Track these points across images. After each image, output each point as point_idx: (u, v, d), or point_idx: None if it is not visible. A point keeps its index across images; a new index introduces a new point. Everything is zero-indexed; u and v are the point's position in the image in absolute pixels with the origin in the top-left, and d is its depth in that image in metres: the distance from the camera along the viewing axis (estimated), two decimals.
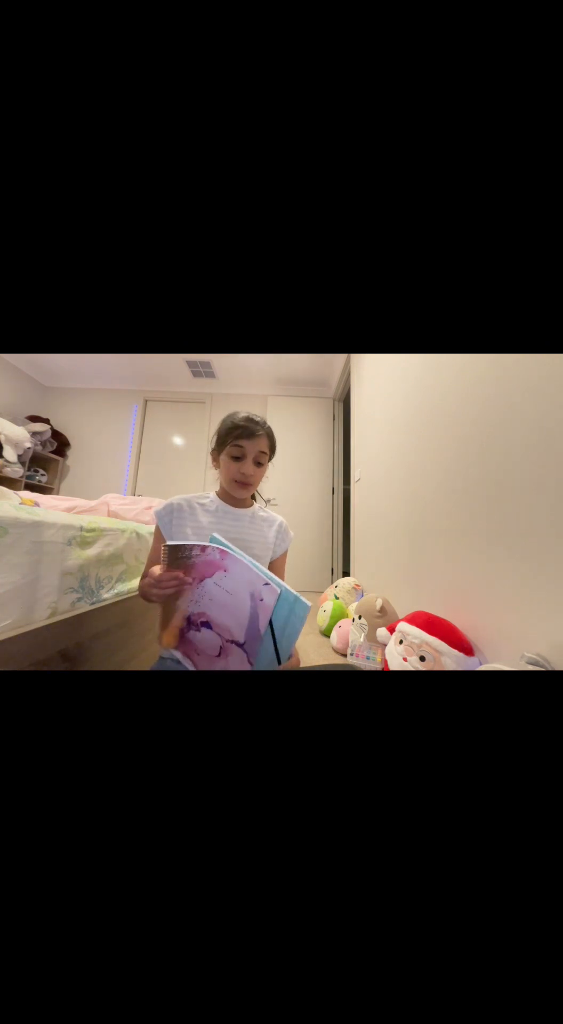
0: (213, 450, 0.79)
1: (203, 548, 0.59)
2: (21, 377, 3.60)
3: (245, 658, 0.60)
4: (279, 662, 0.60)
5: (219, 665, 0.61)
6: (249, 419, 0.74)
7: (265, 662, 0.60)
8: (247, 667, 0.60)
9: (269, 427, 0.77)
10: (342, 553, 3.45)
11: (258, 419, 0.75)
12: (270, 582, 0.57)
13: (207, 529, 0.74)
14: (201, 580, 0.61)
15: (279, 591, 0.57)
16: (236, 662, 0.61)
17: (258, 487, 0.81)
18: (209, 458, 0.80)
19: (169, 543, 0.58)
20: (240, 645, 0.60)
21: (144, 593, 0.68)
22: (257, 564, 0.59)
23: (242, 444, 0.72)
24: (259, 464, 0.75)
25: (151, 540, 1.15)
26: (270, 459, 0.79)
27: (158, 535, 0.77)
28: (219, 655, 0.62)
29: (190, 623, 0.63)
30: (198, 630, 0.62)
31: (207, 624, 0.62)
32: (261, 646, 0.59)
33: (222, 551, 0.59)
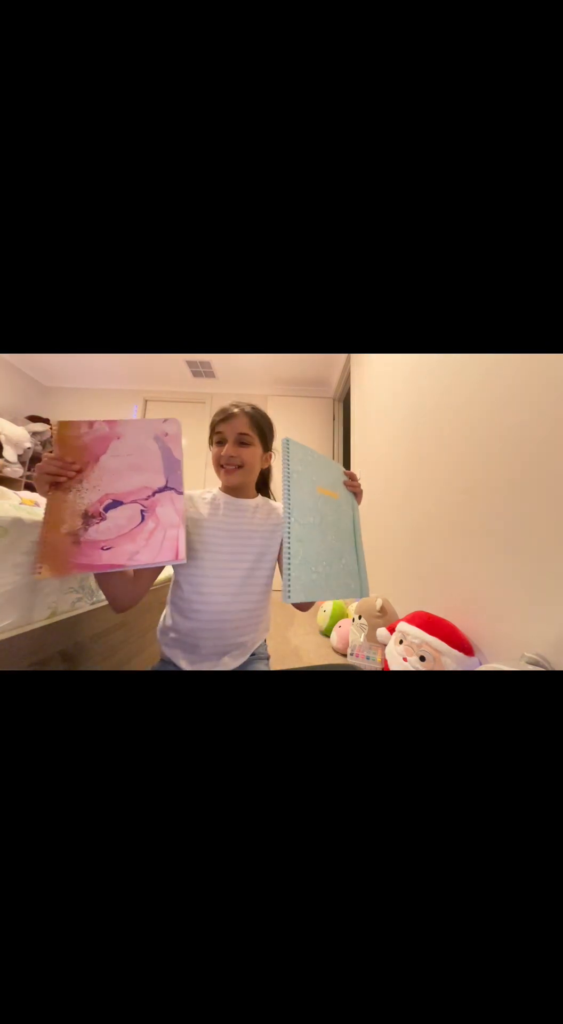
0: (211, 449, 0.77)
1: (90, 424, 0.55)
2: (21, 377, 3.59)
3: (173, 495, 0.55)
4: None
5: (147, 530, 0.54)
6: (229, 404, 0.72)
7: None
8: (180, 502, 0.56)
9: (254, 409, 0.73)
10: None
11: (239, 402, 0.73)
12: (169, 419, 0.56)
13: (205, 519, 0.72)
14: (95, 461, 0.54)
15: (179, 422, 0.56)
16: (167, 510, 0.55)
17: (250, 469, 0.74)
18: (210, 457, 0.78)
19: (59, 421, 0.54)
20: (163, 489, 0.56)
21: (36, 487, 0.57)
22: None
23: (221, 429, 0.71)
24: (244, 444, 0.70)
25: None
26: (266, 443, 0.75)
27: None
28: (143, 520, 0.53)
29: (88, 518, 0.52)
30: (102, 519, 0.52)
31: (115, 503, 0.54)
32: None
33: (110, 422, 0.55)
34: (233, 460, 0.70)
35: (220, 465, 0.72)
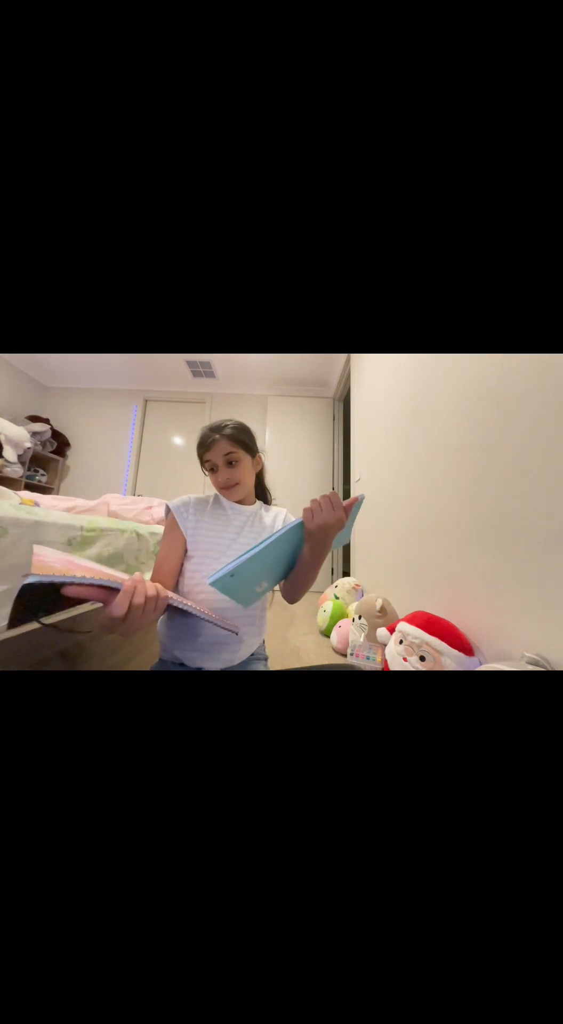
0: None
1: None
2: (21, 377, 3.60)
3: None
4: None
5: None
6: (207, 428, 0.74)
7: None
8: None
9: (232, 425, 0.74)
10: (342, 553, 3.45)
11: (216, 424, 0.74)
12: None
13: (200, 524, 0.75)
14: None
15: None
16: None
17: (247, 482, 0.77)
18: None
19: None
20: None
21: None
22: None
23: (207, 457, 0.74)
24: (232, 464, 0.73)
25: (150, 540, 1.15)
26: (252, 449, 0.77)
27: (172, 527, 0.76)
28: None
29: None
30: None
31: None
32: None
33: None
34: (229, 481, 0.75)
35: (220, 488, 0.77)
